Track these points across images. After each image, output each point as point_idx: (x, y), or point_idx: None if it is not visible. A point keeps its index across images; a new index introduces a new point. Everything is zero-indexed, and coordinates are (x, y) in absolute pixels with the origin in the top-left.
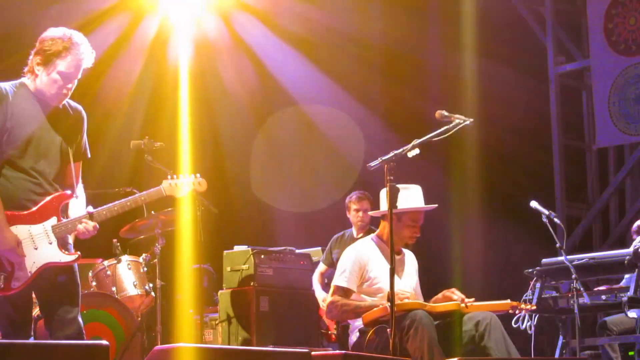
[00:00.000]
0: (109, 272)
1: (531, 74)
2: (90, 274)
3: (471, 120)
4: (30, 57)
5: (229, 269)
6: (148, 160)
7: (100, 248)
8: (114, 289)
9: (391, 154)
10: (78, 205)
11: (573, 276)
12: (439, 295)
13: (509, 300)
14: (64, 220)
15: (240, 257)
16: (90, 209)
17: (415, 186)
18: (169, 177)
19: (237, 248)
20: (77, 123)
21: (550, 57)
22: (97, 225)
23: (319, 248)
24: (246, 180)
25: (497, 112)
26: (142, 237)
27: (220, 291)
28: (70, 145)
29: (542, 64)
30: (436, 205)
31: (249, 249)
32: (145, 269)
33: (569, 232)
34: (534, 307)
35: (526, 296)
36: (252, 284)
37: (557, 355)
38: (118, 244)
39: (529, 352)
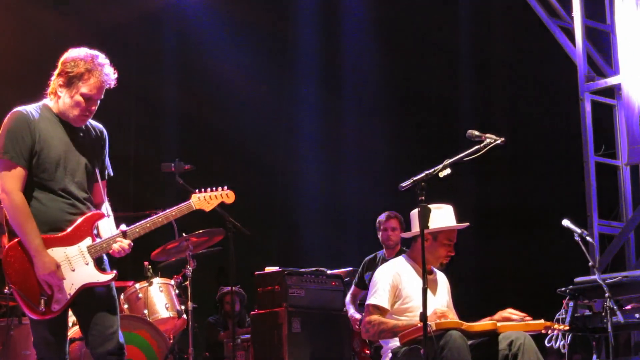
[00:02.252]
0: (140, 295)
1: (561, 90)
2: (122, 297)
3: (502, 139)
4: (53, 78)
5: (260, 290)
6: (178, 183)
7: (132, 271)
8: (145, 311)
9: (422, 174)
10: (108, 224)
11: (606, 294)
12: (496, 316)
13: (542, 320)
14: (98, 240)
15: (271, 279)
16: (124, 227)
17: (447, 206)
18: (197, 191)
19: (268, 269)
20: (99, 142)
21: (580, 73)
22: (132, 243)
23: (350, 269)
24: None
25: (528, 130)
26: (173, 259)
27: (252, 313)
28: (95, 165)
29: (573, 80)
30: (469, 223)
31: (281, 270)
32: (177, 291)
33: (601, 250)
34: (567, 327)
35: (559, 315)
36: (283, 305)
37: None
38: (149, 266)
39: None
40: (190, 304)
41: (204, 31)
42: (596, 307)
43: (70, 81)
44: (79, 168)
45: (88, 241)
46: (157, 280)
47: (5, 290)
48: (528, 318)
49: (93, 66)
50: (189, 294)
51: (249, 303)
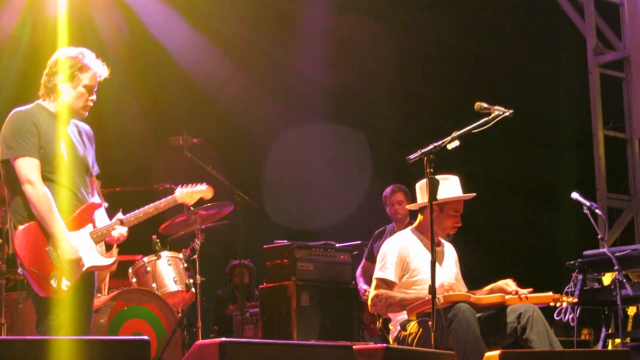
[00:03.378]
0: (149, 269)
1: (571, 64)
2: (130, 271)
3: (511, 111)
4: (44, 79)
5: (269, 264)
6: (187, 157)
7: (140, 244)
8: (154, 285)
9: (430, 147)
10: (102, 213)
11: (615, 267)
12: (493, 286)
13: (551, 293)
14: (99, 226)
15: (280, 252)
16: (121, 215)
17: (453, 176)
18: (181, 185)
19: (277, 243)
20: (89, 140)
21: (589, 47)
22: (128, 230)
23: (359, 242)
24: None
25: (536, 102)
26: (181, 233)
27: (260, 286)
28: (89, 160)
29: (582, 54)
30: (475, 194)
31: (289, 243)
32: (185, 264)
33: (610, 224)
34: (576, 300)
35: (568, 288)
36: (292, 278)
37: (600, 347)
38: (158, 240)
39: (572, 344)
40: (198, 277)
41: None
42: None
43: (73, 75)
44: (77, 162)
45: (90, 227)
46: (165, 254)
47: (19, 271)
48: (523, 293)
49: (89, 60)
50: (197, 267)
51: (258, 277)
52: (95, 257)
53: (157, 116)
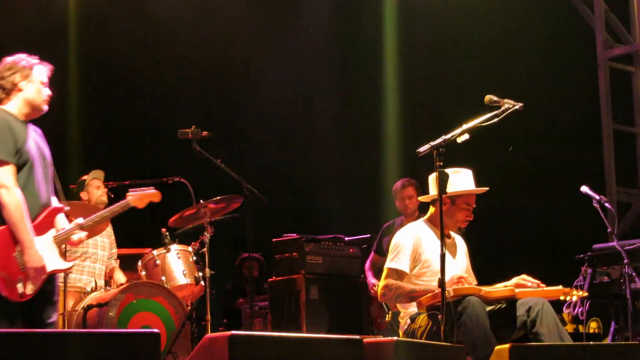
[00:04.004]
0: (158, 262)
1: (579, 58)
2: (139, 264)
3: (521, 104)
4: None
5: (278, 257)
6: (195, 150)
7: (149, 237)
8: (163, 278)
9: (440, 140)
10: (63, 218)
11: (625, 261)
12: (511, 282)
13: (560, 287)
14: (61, 231)
15: (289, 246)
16: (80, 220)
17: (466, 170)
18: (131, 189)
19: (286, 236)
20: (44, 141)
21: (598, 40)
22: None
23: (368, 235)
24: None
25: (545, 96)
26: (190, 226)
27: (269, 280)
28: (50, 162)
29: (591, 47)
30: (488, 188)
31: (298, 236)
32: (195, 258)
33: (619, 217)
34: (586, 294)
35: (578, 282)
36: (301, 272)
37: (609, 341)
38: (167, 233)
39: (581, 337)
40: (207, 270)
41: None
42: (614, 274)
43: (28, 74)
44: (45, 166)
45: (53, 232)
46: (174, 247)
47: None
48: (542, 285)
49: (34, 60)
50: (207, 260)
51: (267, 270)
52: (56, 261)
53: (167, 108)
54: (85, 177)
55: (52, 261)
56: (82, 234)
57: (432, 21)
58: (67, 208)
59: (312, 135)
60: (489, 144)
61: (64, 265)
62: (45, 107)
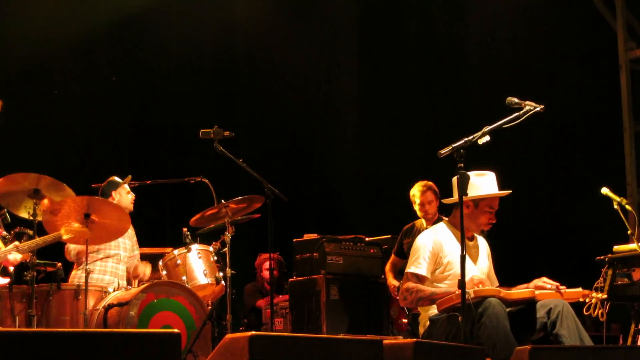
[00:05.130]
0: (179, 261)
1: (601, 59)
2: (160, 263)
3: (542, 106)
4: None
5: (298, 257)
6: (217, 150)
7: (171, 237)
8: (184, 278)
9: (462, 141)
10: None
11: None
12: (530, 285)
13: (580, 288)
14: None
15: (310, 246)
16: (17, 243)
17: (490, 172)
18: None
19: (306, 236)
20: None
21: (620, 42)
22: (23, 256)
23: (389, 236)
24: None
25: (566, 98)
26: (212, 226)
27: (290, 280)
28: None
29: (613, 49)
30: (511, 191)
31: (319, 237)
32: (216, 257)
33: None
34: (606, 296)
35: (598, 283)
36: (322, 272)
37: (630, 343)
38: (188, 233)
39: (601, 340)
40: (228, 270)
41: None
42: (635, 275)
43: None
44: None
45: None
46: (195, 247)
47: None
48: (562, 288)
49: None
50: (228, 260)
51: (287, 270)
52: None
53: (189, 108)
54: (116, 178)
55: None
56: (18, 255)
57: (451, 22)
58: (4, 233)
59: (333, 135)
60: (510, 145)
61: (1, 281)
62: None
